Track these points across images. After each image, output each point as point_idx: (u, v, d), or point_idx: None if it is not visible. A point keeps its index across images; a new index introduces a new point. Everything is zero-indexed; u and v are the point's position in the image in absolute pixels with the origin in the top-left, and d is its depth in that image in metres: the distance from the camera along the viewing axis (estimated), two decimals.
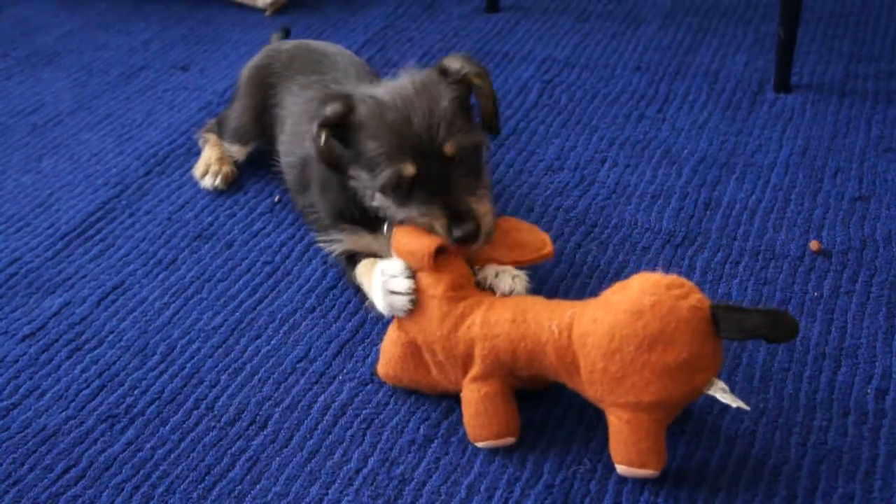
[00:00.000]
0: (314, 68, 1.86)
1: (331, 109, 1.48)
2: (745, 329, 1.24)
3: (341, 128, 1.48)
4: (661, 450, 1.29)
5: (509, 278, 1.46)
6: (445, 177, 1.43)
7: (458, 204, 1.42)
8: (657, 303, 1.26)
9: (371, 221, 1.56)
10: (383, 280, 1.42)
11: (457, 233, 1.41)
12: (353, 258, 1.61)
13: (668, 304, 1.25)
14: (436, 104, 1.45)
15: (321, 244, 1.69)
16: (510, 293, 1.44)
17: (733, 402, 1.29)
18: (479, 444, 1.38)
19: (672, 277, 1.30)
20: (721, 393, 1.28)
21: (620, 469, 1.32)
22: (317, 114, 1.51)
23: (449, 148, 1.43)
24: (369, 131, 1.46)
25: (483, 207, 1.44)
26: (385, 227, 1.54)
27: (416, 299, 1.40)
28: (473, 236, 1.41)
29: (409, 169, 1.42)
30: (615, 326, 1.26)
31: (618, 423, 1.29)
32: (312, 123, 1.51)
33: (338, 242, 1.62)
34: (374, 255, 1.57)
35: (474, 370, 1.37)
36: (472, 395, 1.38)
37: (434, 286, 1.40)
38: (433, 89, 1.47)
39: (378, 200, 1.49)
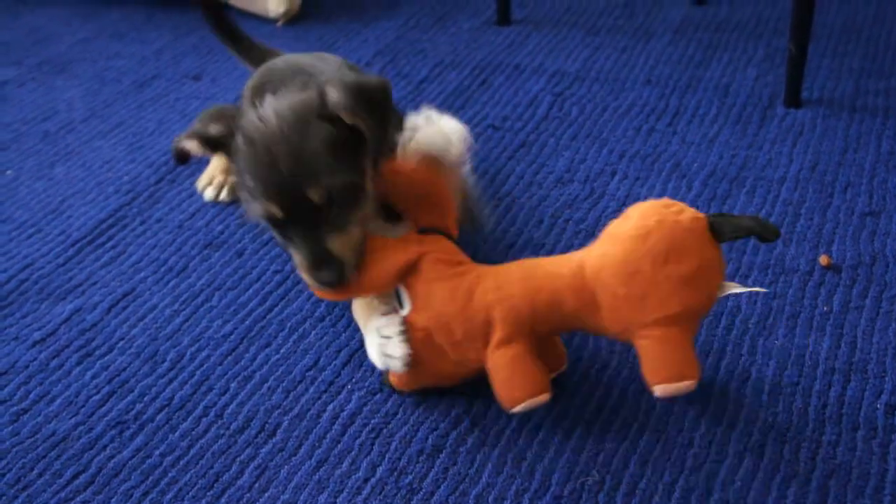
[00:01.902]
0: (301, 89, 1.82)
1: (214, 128, 1.45)
2: (740, 230, 1.32)
3: (225, 147, 1.45)
4: (694, 361, 1.32)
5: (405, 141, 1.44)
6: (313, 220, 1.39)
7: (321, 250, 1.40)
8: (660, 221, 1.33)
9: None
10: (380, 342, 1.43)
11: (319, 279, 1.41)
12: None
13: (670, 220, 1.33)
14: (306, 143, 1.39)
15: None
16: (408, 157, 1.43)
17: (749, 289, 1.37)
18: (517, 409, 1.37)
19: (664, 199, 1.38)
20: (734, 289, 1.34)
21: (659, 390, 1.32)
22: (270, 87, 1.50)
23: (314, 194, 1.38)
24: (242, 163, 1.41)
25: (345, 246, 1.42)
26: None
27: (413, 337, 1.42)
28: (337, 280, 1.41)
29: (277, 212, 1.39)
30: (627, 252, 1.32)
31: (649, 344, 1.32)
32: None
33: None
34: None
35: (497, 335, 1.37)
36: (501, 360, 1.37)
37: (431, 270, 1.42)
38: (305, 123, 1.40)
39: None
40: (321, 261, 1.41)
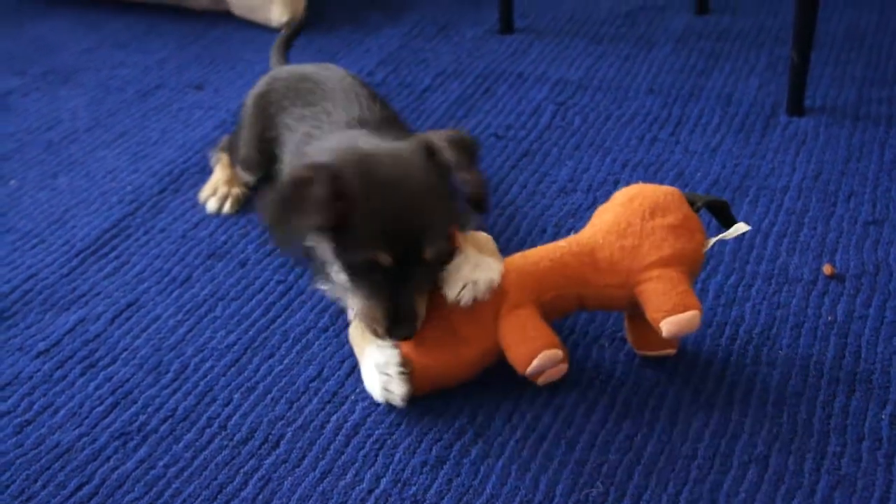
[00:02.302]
0: (306, 99, 1.82)
1: (323, 217, 1.37)
2: (707, 199, 1.50)
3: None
4: (694, 296, 1.42)
5: (459, 285, 1.43)
6: (408, 274, 1.40)
7: (409, 306, 1.41)
8: (641, 190, 1.51)
9: None
10: (381, 379, 1.45)
11: (396, 334, 1.42)
12: None
13: (649, 189, 1.50)
14: (425, 197, 1.39)
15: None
16: (457, 302, 1.43)
17: (734, 231, 1.47)
18: (532, 365, 1.41)
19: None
20: (721, 237, 1.48)
21: (665, 325, 1.38)
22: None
23: (427, 254, 1.39)
24: (357, 204, 1.37)
25: (423, 303, 1.43)
26: None
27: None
28: (411, 336, 1.43)
29: (387, 260, 1.38)
30: (616, 214, 1.48)
31: (649, 285, 1.42)
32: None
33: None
34: None
35: (509, 300, 1.44)
36: (515, 319, 1.43)
37: None
38: (428, 176, 1.40)
39: (334, 271, 1.47)
40: (404, 317, 1.41)
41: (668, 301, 1.40)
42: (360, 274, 1.42)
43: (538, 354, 1.41)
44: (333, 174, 1.36)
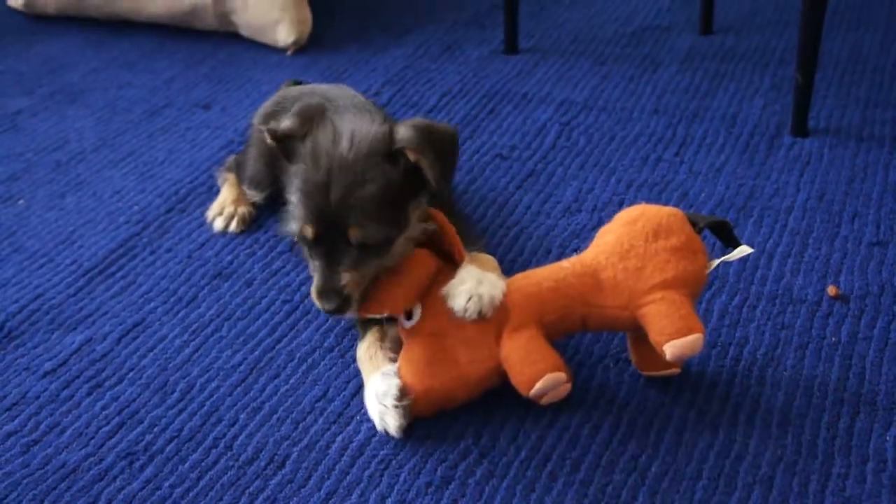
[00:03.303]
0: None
1: (289, 124, 1.51)
2: (709, 219, 1.51)
3: (289, 144, 1.51)
4: (698, 319, 1.42)
5: (465, 297, 1.45)
6: (337, 253, 1.46)
7: (335, 282, 1.46)
8: (644, 211, 1.52)
9: None
10: (380, 409, 1.47)
11: (322, 306, 1.48)
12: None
13: (652, 210, 1.51)
14: (365, 183, 1.44)
15: None
16: (464, 314, 1.45)
17: (738, 253, 1.47)
18: (535, 387, 1.41)
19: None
20: (724, 259, 1.49)
21: (669, 349, 1.39)
22: (282, 115, 1.61)
23: (352, 234, 1.44)
24: (300, 172, 1.48)
25: (355, 284, 1.47)
26: None
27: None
28: (336, 311, 1.48)
29: (310, 232, 1.46)
30: (619, 236, 1.49)
31: (652, 308, 1.42)
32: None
33: None
34: None
35: (511, 322, 1.45)
36: (518, 341, 1.44)
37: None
38: (372, 160, 1.45)
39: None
40: (331, 291, 1.46)
41: (671, 324, 1.40)
42: (303, 248, 1.53)
43: (542, 377, 1.41)
44: (304, 126, 1.51)
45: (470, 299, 1.44)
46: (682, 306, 1.42)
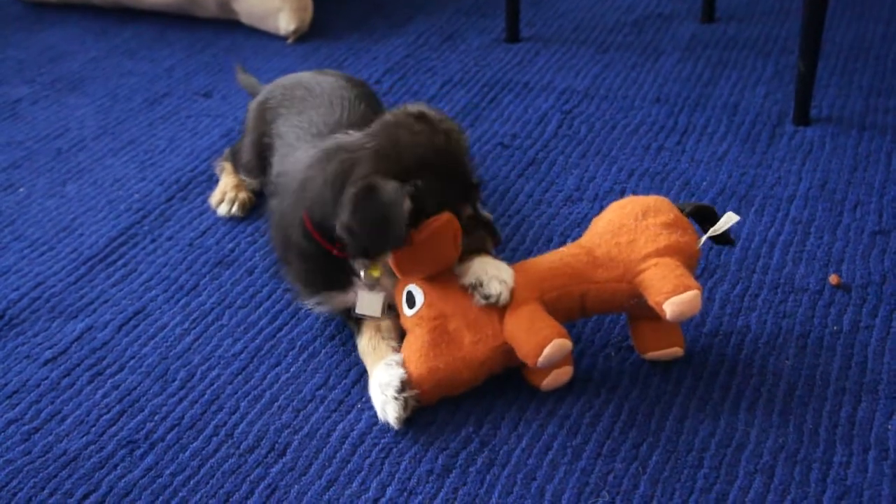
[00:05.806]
0: (298, 107, 1.85)
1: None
2: (695, 205, 1.56)
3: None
4: (693, 279, 1.44)
5: (497, 283, 1.48)
6: None
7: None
8: (631, 198, 1.59)
9: (339, 283, 1.59)
10: (381, 399, 1.47)
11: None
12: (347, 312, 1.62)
13: (639, 197, 1.59)
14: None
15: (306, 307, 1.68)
16: (495, 302, 1.47)
17: (726, 222, 1.50)
18: (543, 354, 1.41)
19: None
20: (713, 230, 1.51)
21: (669, 307, 1.42)
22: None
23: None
24: None
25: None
26: (360, 277, 1.57)
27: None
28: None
29: None
30: (611, 219, 1.55)
31: (648, 273, 1.46)
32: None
33: (321, 305, 1.63)
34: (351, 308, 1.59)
35: (514, 299, 1.47)
36: (521, 315, 1.46)
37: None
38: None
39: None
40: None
41: (668, 283, 1.43)
42: None
43: (549, 343, 1.41)
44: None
45: (497, 282, 1.47)
46: (677, 268, 1.46)
